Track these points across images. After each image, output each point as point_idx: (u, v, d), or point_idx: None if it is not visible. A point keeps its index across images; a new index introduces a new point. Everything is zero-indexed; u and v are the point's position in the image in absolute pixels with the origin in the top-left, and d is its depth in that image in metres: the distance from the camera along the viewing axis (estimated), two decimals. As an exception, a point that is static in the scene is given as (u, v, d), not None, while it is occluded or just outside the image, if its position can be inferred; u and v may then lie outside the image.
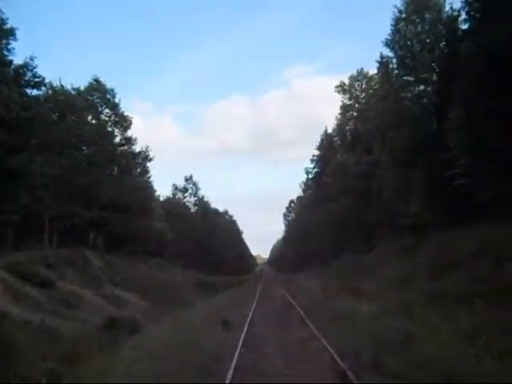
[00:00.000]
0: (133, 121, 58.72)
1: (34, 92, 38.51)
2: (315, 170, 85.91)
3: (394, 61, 42.37)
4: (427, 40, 38.69)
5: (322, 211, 73.01)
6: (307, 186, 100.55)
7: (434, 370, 9.84)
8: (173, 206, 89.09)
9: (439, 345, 11.83)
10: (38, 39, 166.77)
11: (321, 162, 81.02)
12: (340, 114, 71.60)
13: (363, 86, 67.57)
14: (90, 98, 53.91)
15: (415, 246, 36.00)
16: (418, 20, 39.25)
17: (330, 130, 78.77)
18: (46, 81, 40.58)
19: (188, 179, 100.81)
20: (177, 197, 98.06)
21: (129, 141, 58.34)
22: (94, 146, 49.33)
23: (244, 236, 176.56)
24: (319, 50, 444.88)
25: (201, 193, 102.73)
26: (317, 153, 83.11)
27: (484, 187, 26.57)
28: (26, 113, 34.40)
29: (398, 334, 13.07)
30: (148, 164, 63.94)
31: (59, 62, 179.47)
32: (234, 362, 11.98)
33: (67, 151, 43.81)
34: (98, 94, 54.87)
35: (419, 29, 39.19)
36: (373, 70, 58.41)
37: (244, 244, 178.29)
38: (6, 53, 34.93)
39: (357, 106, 68.11)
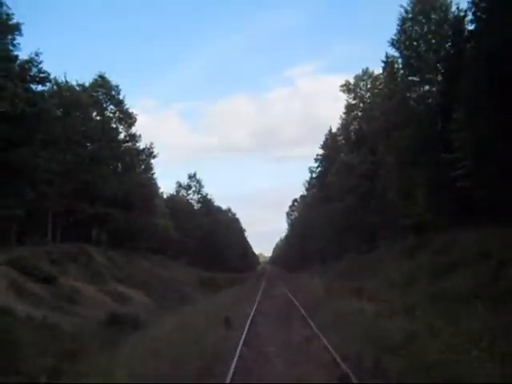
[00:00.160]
0: (137, 118, 58.83)
1: (39, 88, 38.61)
2: (319, 169, 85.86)
3: (400, 61, 42.35)
4: (433, 40, 38.66)
5: (326, 211, 72.95)
6: (311, 185, 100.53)
7: (435, 373, 9.81)
8: (176, 203, 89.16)
9: (441, 347, 11.80)
10: (44, 35, 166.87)
11: (325, 161, 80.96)
12: (345, 113, 71.44)
13: (368, 86, 67.41)
14: (94, 94, 53.97)
15: (418, 246, 35.97)
16: (424, 20, 39.21)
17: (334, 130, 78.65)
18: (51, 76, 40.66)
19: (191, 176, 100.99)
20: (180, 194, 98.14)
21: (133, 137, 58.42)
22: (99, 142, 49.38)
23: (247, 234, 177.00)
24: (324, 48, 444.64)
25: (204, 190, 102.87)
26: (321, 152, 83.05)
27: (487, 189, 26.52)
28: (31, 108, 34.43)
29: (399, 335, 13.05)
30: (152, 161, 64.04)
31: (64, 59, 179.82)
32: (235, 361, 11.97)
33: (71, 147, 43.82)
34: (103, 90, 54.94)
35: (425, 29, 39.14)
36: (378, 70, 58.23)
37: (247, 242, 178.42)
38: (11, 48, 34.98)
39: (361, 105, 67.95)
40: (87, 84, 53.37)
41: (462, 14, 36.88)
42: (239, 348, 13.63)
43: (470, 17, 33.54)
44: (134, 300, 35.41)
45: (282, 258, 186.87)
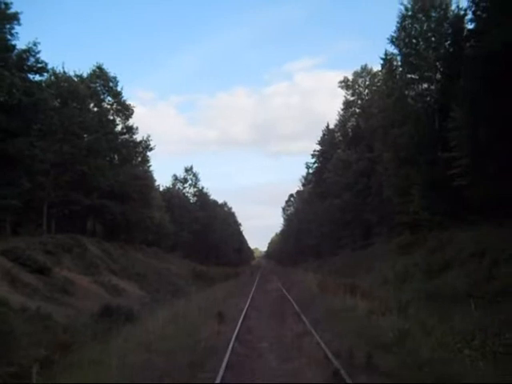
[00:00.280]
0: (134, 110, 58.75)
1: (37, 78, 38.42)
2: (316, 164, 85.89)
3: (399, 58, 42.39)
4: (432, 38, 38.69)
5: (322, 206, 73.12)
6: (307, 180, 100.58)
7: (427, 371, 9.83)
8: (172, 196, 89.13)
9: (433, 345, 11.83)
10: (42, 25, 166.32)
11: (322, 157, 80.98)
12: (342, 109, 71.60)
13: (367, 83, 67.51)
14: (92, 85, 53.85)
15: (413, 244, 36.07)
16: (423, 18, 39.23)
17: (331, 126, 78.67)
18: (49, 67, 40.48)
19: (188, 170, 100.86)
20: (176, 187, 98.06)
21: (130, 129, 58.42)
22: (96, 133, 49.22)
23: (242, 229, 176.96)
24: (323, 43, 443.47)
25: (200, 184, 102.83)
26: (318, 148, 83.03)
27: (483, 188, 26.58)
28: (28, 98, 34.28)
29: (392, 332, 13.06)
30: (148, 153, 63.99)
31: (62, 49, 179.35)
32: (227, 356, 11.97)
33: (68, 138, 43.69)
34: (101, 81, 54.83)
35: (425, 27, 39.17)
36: (377, 66, 58.32)
37: (242, 236, 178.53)
38: (9, 37, 34.77)
39: (360, 102, 68.08)
40: (85, 75, 53.28)
41: (461, 12, 36.97)
42: (232, 343, 13.63)
43: (469, 16, 33.61)
44: (128, 292, 35.41)
45: (277, 252, 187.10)
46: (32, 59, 36.72)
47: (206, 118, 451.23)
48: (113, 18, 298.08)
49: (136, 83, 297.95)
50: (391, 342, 12.38)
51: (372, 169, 53.66)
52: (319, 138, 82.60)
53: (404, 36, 40.44)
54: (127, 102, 57.69)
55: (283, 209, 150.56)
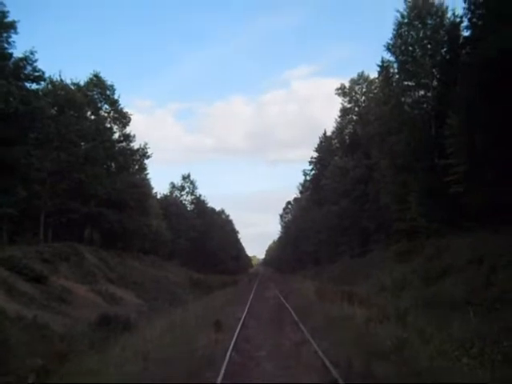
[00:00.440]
0: (132, 117, 58.80)
1: (34, 86, 38.46)
2: (313, 171, 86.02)
3: (395, 65, 42.46)
4: (429, 45, 38.80)
5: (319, 213, 73.12)
6: (305, 187, 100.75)
7: (426, 380, 9.79)
8: (170, 203, 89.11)
9: (432, 353, 11.78)
10: (39, 33, 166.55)
11: (319, 164, 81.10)
12: (340, 116, 71.74)
13: (363, 90, 67.70)
14: (89, 93, 53.91)
15: (411, 251, 36.03)
16: (420, 25, 39.34)
17: (329, 133, 78.87)
18: (46, 75, 40.52)
19: (185, 177, 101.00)
20: (174, 195, 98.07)
21: (127, 137, 58.50)
22: (93, 141, 49.25)
23: (240, 236, 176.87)
24: (320, 51, 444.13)
25: (198, 191, 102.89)
26: (315, 155, 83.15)
27: (480, 195, 26.60)
28: (25, 107, 34.29)
29: (390, 341, 13.01)
30: (146, 161, 64.01)
31: (59, 57, 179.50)
32: (224, 365, 11.90)
33: (65, 146, 43.66)
34: (98, 89, 54.89)
35: (421, 34, 39.28)
36: (373, 74, 58.50)
37: (240, 244, 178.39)
38: (6, 46, 34.82)
39: (357, 109, 68.23)
40: (82, 83, 53.35)
41: (457, 19, 37.07)
42: (229, 352, 13.56)
43: (465, 23, 33.71)
44: (126, 300, 35.31)
45: (275, 260, 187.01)
46: (29, 68, 36.80)
47: (203, 125, 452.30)
48: (110, 26, 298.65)
49: (133, 91, 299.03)
50: (389, 351, 12.31)
51: (369, 176, 53.71)
52: (316, 145, 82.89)
53: (400, 43, 40.56)
54: (124, 110, 57.89)
55: (281, 216, 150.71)
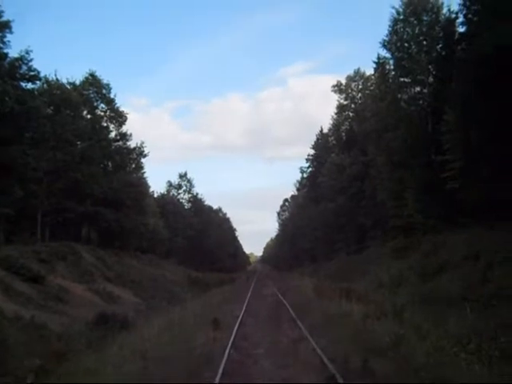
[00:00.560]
0: (128, 116, 58.72)
1: (29, 86, 38.39)
2: (310, 169, 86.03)
3: (391, 62, 42.52)
4: (424, 42, 38.84)
5: (316, 211, 73.19)
6: (302, 185, 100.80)
7: (423, 376, 9.81)
8: (167, 202, 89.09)
9: (429, 349, 11.81)
10: (34, 33, 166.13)
11: (316, 161, 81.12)
12: (336, 113, 71.80)
13: (360, 87, 67.77)
14: (85, 92, 53.80)
15: (407, 247, 36.10)
16: (415, 22, 39.38)
17: (325, 130, 78.89)
18: (42, 74, 40.46)
19: (182, 176, 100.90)
20: (171, 193, 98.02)
21: (124, 136, 58.40)
22: (89, 141, 49.21)
23: (237, 234, 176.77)
24: (316, 48, 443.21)
25: (195, 190, 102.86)
26: (312, 152, 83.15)
27: (476, 191, 26.66)
28: (21, 106, 34.24)
29: (387, 337, 13.05)
30: (142, 160, 63.97)
31: (54, 56, 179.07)
32: (223, 363, 11.92)
33: (61, 145, 43.60)
34: (94, 88, 54.79)
35: (417, 30, 39.31)
36: (370, 70, 58.54)
37: (237, 241, 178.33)
38: (1, 45, 34.73)
39: (353, 106, 68.29)
40: (78, 82, 53.27)
41: (453, 16, 37.14)
42: (227, 350, 13.58)
43: (461, 19, 33.73)
44: (123, 299, 35.33)
45: (272, 257, 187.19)
46: (24, 67, 36.71)
47: (200, 123, 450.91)
48: (105, 24, 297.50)
49: (129, 89, 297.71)
50: (387, 347, 12.35)
51: (366, 172, 53.75)
52: (313, 143, 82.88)
53: (396, 40, 40.60)
54: (120, 109, 57.77)
55: (278, 213, 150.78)
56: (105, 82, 55.53)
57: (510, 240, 22.00)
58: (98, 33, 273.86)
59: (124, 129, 58.65)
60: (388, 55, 42.52)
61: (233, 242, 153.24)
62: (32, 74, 37.38)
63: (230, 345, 14.35)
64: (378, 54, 43.66)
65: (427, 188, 35.00)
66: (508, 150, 23.41)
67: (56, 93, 46.13)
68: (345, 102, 69.62)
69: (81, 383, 10.56)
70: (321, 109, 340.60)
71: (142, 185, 65.30)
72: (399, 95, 41.72)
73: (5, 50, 35.14)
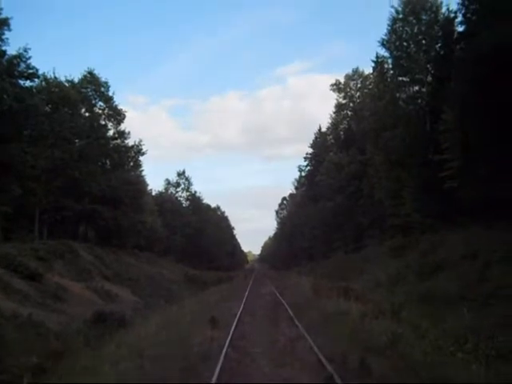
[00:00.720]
0: (126, 114, 58.65)
1: (28, 83, 38.37)
2: (308, 167, 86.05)
3: (390, 61, 42.52)
4: (423, 41, 38.86)
5: (314, 209, 73.23)
6: (300, 183, 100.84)
7: (421, 375, 9.82)
8: (165, 200, 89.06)
9: (427, 348, 11.82)
10: (31, 30, 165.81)
11: (314, 160, 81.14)
12: (334, 112, 71.84)
13: (358, 85, 67.81)
14: (83, 90, 53.73)
15: (405, 246, 36.14)
16: (414, 21, 39.39)
17: (324, 129, 78.90)
18: (40, 72, 40.43)
19: (180, 174, 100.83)
20: (169, 191, 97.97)
21: (122, 134, 58.35)
22: (87, 138, 49.18)
23: (235, 232, 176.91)
24: (315, 47, 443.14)
25: (193, 188, 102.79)
26: (310, 151, 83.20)
27: (474, 190, 26.67)
28: (19, 104, 34.21)
29: (385, 336, 13.05)
30: (140, 158, 63.91)
31: (52, 54, 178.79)
32: (220, 362, 11.92)
33: (60, 143, 43.57)
34: (92, 86, 54.70)
35: (415, 30, 39.33)
36: (368, 69, 58.57)
37: (235, 240, 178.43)
38: (-1, 43, 34.74)
39: (351, 105, 68.31)
40: (76, 80, 53.20)
41: (452, 15, 37.16)
42: (225, 348, 13.58)
43: (460, 18, 33.79)
44: (121, 297, 35.28)
45: (270, 256, 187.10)
46: (23, 65, 36.74)
47: (198, 121, 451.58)
48: (103, 22, 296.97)
49: (127, 87, 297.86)
50: (384, 346, 12.35)
51: (364, 171, 53.76)
52: (311, 141, 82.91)
53: (395, 39, 40.61)
54: (119, 107, 57.73)
55: (276, 212, 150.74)
56: (103, 79, 55.59)
57: (508, 239, 22.04)
58: (96, 31, 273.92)
59: (122, 127, 58.75)
60: (387, 54, 42.61)
61: (231, 240, 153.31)
62: (30, 71, 37.41)
63: (227, 343, 14.35)
64: (377, 53, 43.76)
65: (425, 187, 35.02)
66: (506, 149, 23.43)
67: (54, 91, 46.12)
68: (343, 101, 69.68)
69: (79, 383, 10.53)
70: (319, 108, 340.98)
71: (140, 183, 65.25)
72: (398, 94, 41.74)
73: (3, 48, 35.19)
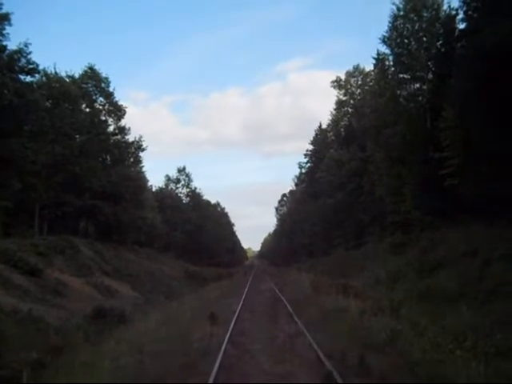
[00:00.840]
0: (127, 110, 58.58)
1: (28, 78, 38.30)
2: (308, 164, 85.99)
3: (391, 58, 42.44)
4: (424, 38, 38.76)
5: (314, 206, 73.22)
6: (300, 180, 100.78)
7: (419, 372, 9.83)
8: (165, 196, 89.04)
9: (425, 346, 11.83)
10: (32, 25, 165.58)
11: (314, 156, 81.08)
12: (335, 109, 71.74)
13: (359, 82, 67.69)
14: (84, 86, 53.62)
15: (405, 244, 36.17)
16: (415, 18, 39.28)
17: (324, 125, 78.81)
18: (41, 67, 40.38)
19: (181, 170, 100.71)
20: (169, 188, 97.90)
21: (122, 130, 58.25)
22: (88, 134, 49.13)
23: (235, 229, 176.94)
24: (315, 43, 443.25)
25: (193, 184, 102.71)
26: (311, 147, 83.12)
27: (474, 188, 26.66)
28: (19, 99, 34.17)
29: (384, 333, 13.07)
30: (141, 154, 63.82)
31: (53, 49, 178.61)
32: (220, 358, 11.94)
33: (60, 139, 43.54)
34: (93, 82, 54.59)
35: (416, 27, 39.22)
36: (369, 66, 58.47)
37: (235, 236, 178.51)
38: (0, 38, 34.64)
39: (352, 102, 68.21)
40: (77, 75, 53.05)
41: (453, 12, 37.06)
42: (224, 345, 13.60)
43: (461, 16, 33.73)
44: (121, 293, 35.30)
45: (270, 252, 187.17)
46: (23, 60, 36.62)
47: (198, 118, 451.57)
48: (104, 17, 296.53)
49: (128, 83, 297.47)
50: (384, 343, 12.38)
51: (364, 168, 53.72)
52: (312, 138, 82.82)
53: (396, 36, 40.51)
54: (119, 103, 57.59)
55: (276, 209, 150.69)
56: (104, 75, 55.32)
57: (508, 237, 22.04)
58: (97, 27, 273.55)
59: (123, 122, 58.51)
60: (388, 51, 42.47)
61: (231, 236, 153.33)
62: (31, 66, 37.31)
63: (226, 339, 14.37)
64: (378, 50, 43.65)
65: (425, 184, 34.99)
66: (508, 146, 23.41)
67: (55, 86, 46.07)
68: (344, 98, 69.58)
69: (78, 383, 10.53)
70: (320, 104, 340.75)
71: (141, 179, 65.18)
72: (398, 91, 41.67)
73: (4, 43, 35.09)
